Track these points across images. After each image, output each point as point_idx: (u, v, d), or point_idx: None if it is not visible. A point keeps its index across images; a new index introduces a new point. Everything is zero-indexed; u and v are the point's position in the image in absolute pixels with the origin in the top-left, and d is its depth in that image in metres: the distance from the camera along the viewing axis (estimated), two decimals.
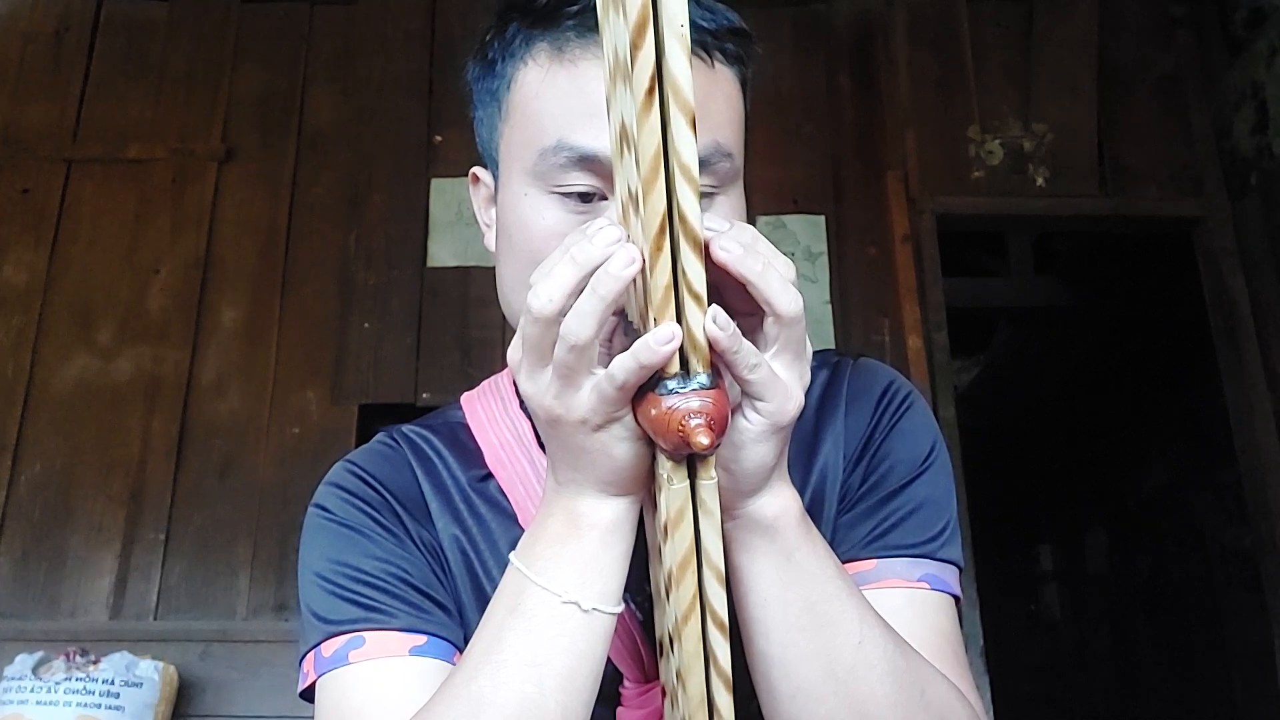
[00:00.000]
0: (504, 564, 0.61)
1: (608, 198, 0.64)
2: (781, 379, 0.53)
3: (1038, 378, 4.57)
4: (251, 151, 2.71)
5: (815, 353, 0.67)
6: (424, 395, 2.49)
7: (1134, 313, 3.88)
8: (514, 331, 0.57)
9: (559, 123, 0.64)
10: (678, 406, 0.49)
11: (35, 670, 1.97)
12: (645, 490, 0.57)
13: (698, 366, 0.49)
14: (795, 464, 0.71)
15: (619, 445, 0.53)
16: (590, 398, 0.52)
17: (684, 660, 0.54)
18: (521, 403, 0.74)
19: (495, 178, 0.72)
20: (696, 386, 0.49)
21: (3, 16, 2.82)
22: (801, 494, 0.66)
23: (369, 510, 0.72)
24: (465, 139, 2.98)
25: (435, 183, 2.68)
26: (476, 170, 0.76)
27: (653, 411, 0.50)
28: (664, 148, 0.45)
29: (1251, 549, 2.68)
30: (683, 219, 0.46)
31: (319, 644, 0.67)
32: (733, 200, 0.67)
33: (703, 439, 0.48)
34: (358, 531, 0.71)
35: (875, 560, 0.69)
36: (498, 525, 0.72)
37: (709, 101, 0.64)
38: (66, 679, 1.95)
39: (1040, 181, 2.74)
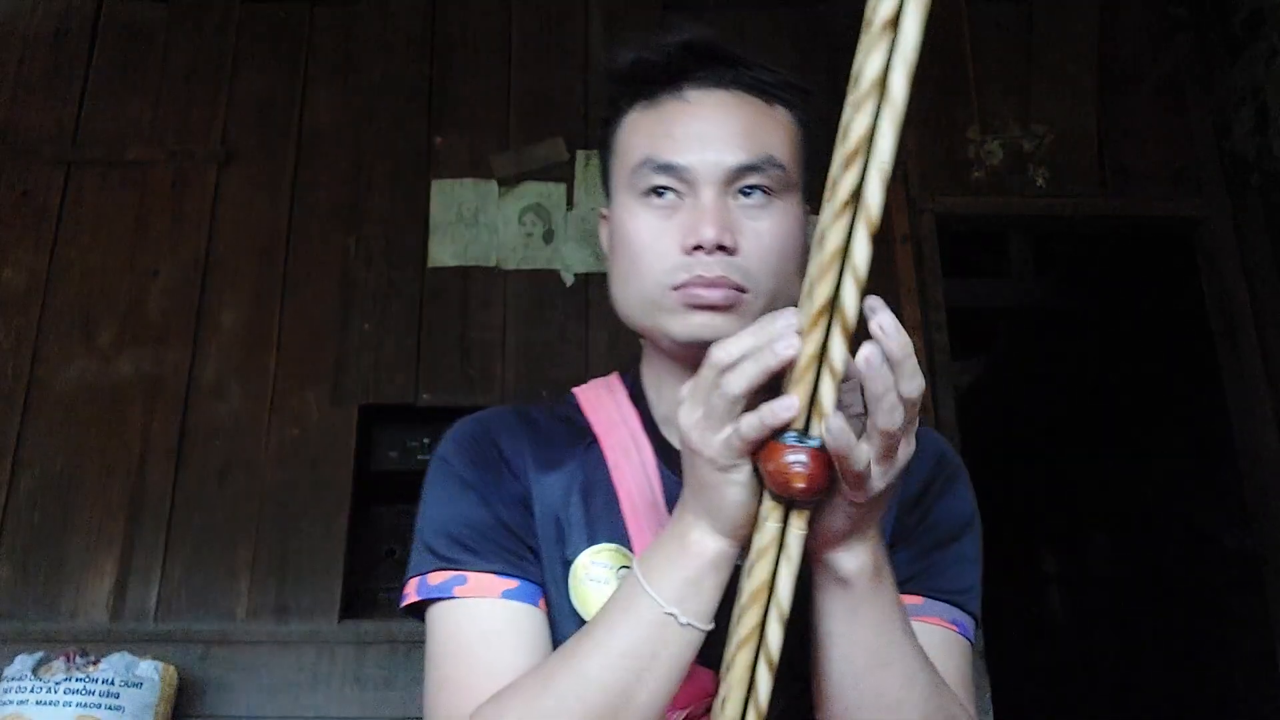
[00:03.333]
0: (592, 514, 0.83)
1: (683, 198, 0.82)
2: (870, 469, 0.61)
3: (1038, 378, 4.57)
4: (251, 153, 2.71)
5: None
6: (424, 396, 2.49)
7: (1134, 313, 3.87)
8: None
9: (646, 145, 0.84)
10: (788, 456, 0.59)
11: (35, 671, 1.97)
12: (746, 537, 0.66)
13: (817, 429, 0.59)
14: None
15: (734, 489, 0.64)
16: (723, 441, 0.62)
17: (729, 686, 0.63)
18: (630, 395, 0.92)
19: (610, 206, 0.91)
20: (810, 445, 0.59)
21: (3, 17, 2.83)
22: None
23: (479, 465, 0.87)
24: (465, 140, 2.98)
25: (435, 184, 2.68)
26: (603, 210, 0.94)
27: (769, 456, 0.61)
28: (844, 249, 0.57)
29: (1253, 551, 2.68)
30: (840, 309, 0.58)
31: (427, 572, 0.82)
32: (785, 205, 0.83)
33: (799, 484, 0.59)
34: (468, 483, 0.86)
35: (923, 598, 0.83)
36: (597, 481, 0.86)
37: (765, 126, 0.84)
38: (66, 679, 1.94)
39: (1040, 181, 2.74)
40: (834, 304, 0.58)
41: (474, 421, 0.91)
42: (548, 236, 2.65)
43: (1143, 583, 3.90)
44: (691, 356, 0.82)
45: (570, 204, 2.67)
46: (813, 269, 0.59)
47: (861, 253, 0.57)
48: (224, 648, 2.26)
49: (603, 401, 0.92)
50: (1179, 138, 2.80)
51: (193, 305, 2.56)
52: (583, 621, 0.80)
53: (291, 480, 2.42)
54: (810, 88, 0.89)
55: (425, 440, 2.49)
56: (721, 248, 0.79)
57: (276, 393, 2.50)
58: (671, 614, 0.66)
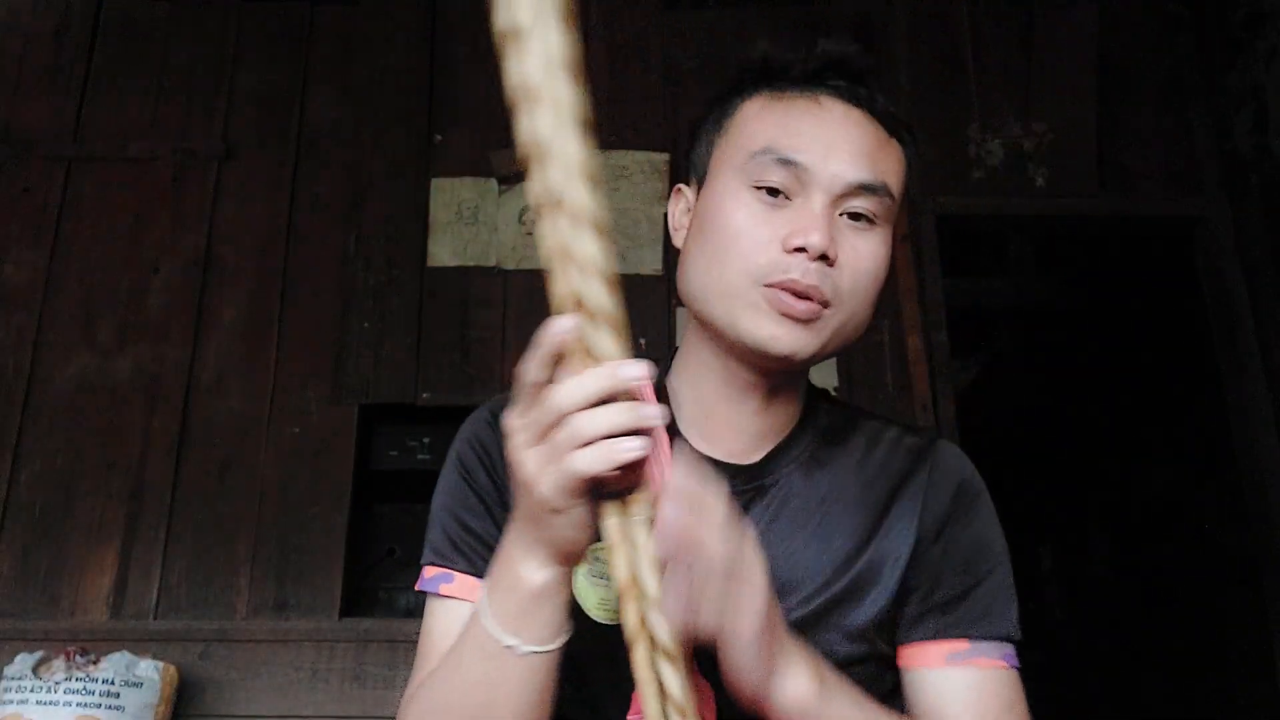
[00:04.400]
0: None
1: (790, 198, 0.80)
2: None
3: (1038, 378, 4.57)
4: (252, 150, 2.71)
5: (900, 421, 0.93)
6: (424, 395, 2.49)
7: (1134, 313, 3.87)
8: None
9: (770, 135, 0.82)
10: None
11: (35, 670, 1.97)
12: (579, 556, 0.66)
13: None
14: (859, 527, 0.84)
15: (568, 527, 0.62)
16: (561, 484, 0.60)
17: (642, 684, 0.62)
18: (654, 388, 0.85)
19: (699, 186, 0.88)
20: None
21: (3, 16, 2.82)
22: (856, 557, 0.83)
23: (483, 464, 0.87)
24: (465, 138, 2.98)
25: (435, 182, 2.68)
26: (681, 186, 0.92)
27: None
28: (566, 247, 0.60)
29: (1253, 550, 2.68)
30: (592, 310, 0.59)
31: (425, 565, 0.86)
32: (884, 234, 0.83)
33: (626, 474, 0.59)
34: (468, 484, 0.87)
35: (969, 641, 0.82)
36: None
37: (885, 153, 0.84)
38: (66, 679, 1.94)
39: (1040, 181, 2.74)
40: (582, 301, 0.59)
41: (487, 412, 0.91)
42: None
43: (1142, 582, 3.91)
44: (746, 359, 0.83)
45: None
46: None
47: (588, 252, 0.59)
48: (224, 646, 2.26)
49: None
50: (1179, 138, 2.80)
51: (193, 302, 2.56)
52: (586, 618, 0.80)
53: (291, 478, 2.42)
54: (914, 130, 0.90)
55: (425, 439, 2.49)
56: (824, 257, 0.78)
57: (277, 391, 2.50)
58: (510, 645, 0.67)
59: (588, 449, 0.58)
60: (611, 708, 0.80)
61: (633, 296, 2.68)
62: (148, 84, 2.77)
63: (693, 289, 0.84)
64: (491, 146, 2.71)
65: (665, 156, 2.70)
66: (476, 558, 0.83)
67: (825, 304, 0.79)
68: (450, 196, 2.67)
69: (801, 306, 0.78)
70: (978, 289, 3.81)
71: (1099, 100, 2.76)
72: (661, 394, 0.89)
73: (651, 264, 2.62)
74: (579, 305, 0.58)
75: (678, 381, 0.90)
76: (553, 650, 0.68)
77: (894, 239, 0.86)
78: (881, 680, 0.84)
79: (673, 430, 0.87)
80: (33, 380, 2.48)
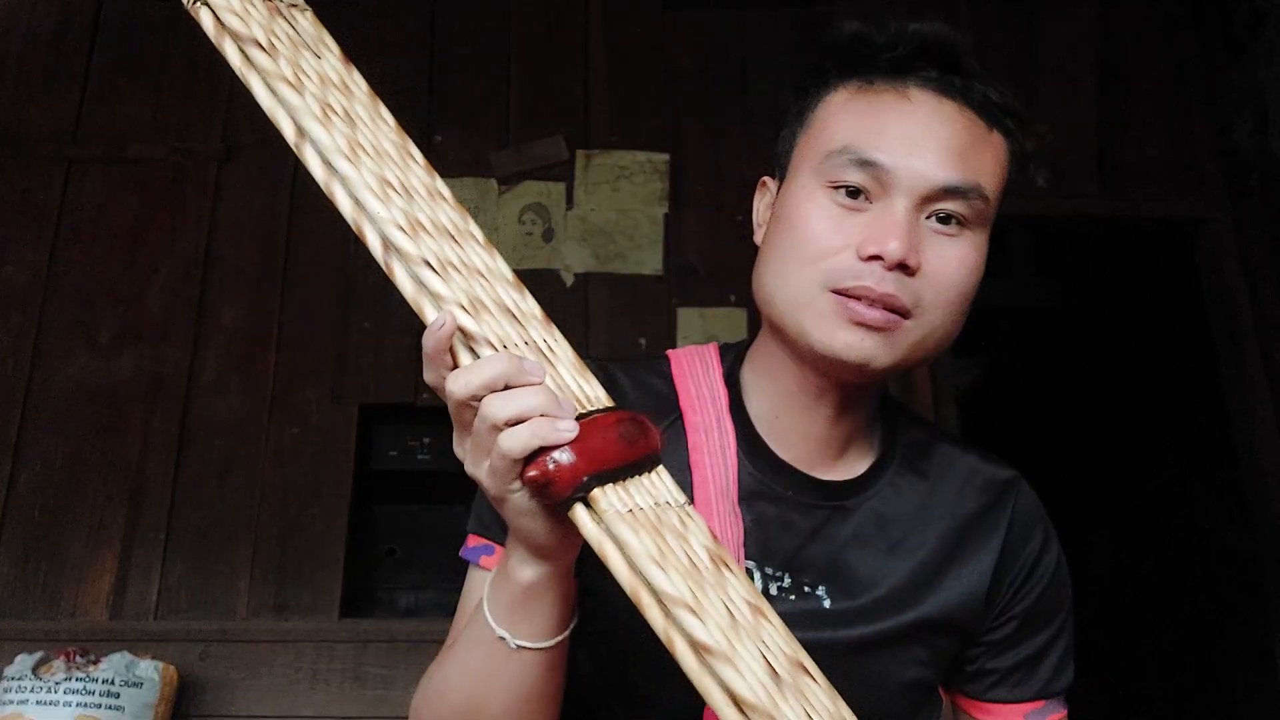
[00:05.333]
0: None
1: (871, 200, 0.75)
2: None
3: (1038, 378, 4.57)
4: (252, 150, 2.71)
5: (976, 447, 0.91)
6: (424, 395, 2.48)
7: (1134, 313, 3.87)
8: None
9: (850, 133, 0.76)
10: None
11: (35, 670, 1.97)
12: (566, 558, 0.65)
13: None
14: (933, 557, 0.82)
15: (523, 517, 0.61)
16: (488, 469, 0.60)
17: (704, 694, 0.57)
18: (723, 373, 0.86)
19: (781, 181, 0.83)
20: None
21: (3, 13, 2.82)
22: (928, 587, 0.81)
23: None
24: (465, 139, 2.97)
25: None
26: (765, 179, 0.87)
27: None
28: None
29: (1253, 550, 2.68)
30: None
31: (469, 534, 0.82)
32: (976, 239, 0.78)
33: (550, 475, 0.56)
34: None
35: (1045, 700, 0.85)
36: (673, 457, 0.80)
37: (981, 150, 0.77)
38: (66, 679, 1.94)
39: (1040, 181, 2.73)
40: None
41: None
42: (547, 236, 2.65)
43: (1142, 582, 3.91)
44: (819, 367, 0.78)
45: (570, 203, 2.67)
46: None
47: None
48: (224, 646, 2.26)
49: (695, 373, 0.86)
50: (1179, 138, 2.80)
51: (193, 303, 2.56)
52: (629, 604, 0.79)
53: (291, 479, 2.42)
54: (1030, 117, 0.83)
55: (425, 440, 2.49)
56: (903, 265, 0.73)
57: (276, 391, 2.49)
58: (503, 638, 0.66)
59: (509, 431, 0.57)
60: None
61: (633, 296, 2.69)
62: (148, 83, 2.77)
63: (764, 292, 0.79)
64: (491, 146, 2.71)
65: (665, 156, 2.70)
66: None
67: (905, 314, 0.73)
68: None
69: (874, 314, 0.73)
70: (978, 289, 3.81)
71: (1099, 100, 2.76)
72: (734, 384, 0.86)
73: (652, 264, 2.61)
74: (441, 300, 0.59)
75: (751, 375, 0.86)
76: (546, 649, 0.67)
77: (987, 242, 0.80)
78: (929, 703, 0.84)
79: (738, 410, 0.84)
80: (33, 380, 2.47)
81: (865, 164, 0.74)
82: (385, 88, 3.09)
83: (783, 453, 0.83)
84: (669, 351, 0.89)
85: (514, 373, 0.58)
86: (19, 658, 2.01)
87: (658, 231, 2.64)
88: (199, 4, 0.63)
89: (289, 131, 0.63)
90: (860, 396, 0.83)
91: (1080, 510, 4.44)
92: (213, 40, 0.64)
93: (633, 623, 0.76)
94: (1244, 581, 2.99)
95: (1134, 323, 3.89)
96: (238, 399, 2.48)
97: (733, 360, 0.87)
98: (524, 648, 0.66)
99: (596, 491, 0.56)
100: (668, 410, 0.83)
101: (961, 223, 0.76)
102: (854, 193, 0.75)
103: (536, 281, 2.62)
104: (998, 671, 0.85)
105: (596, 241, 2.63)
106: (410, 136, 0.70)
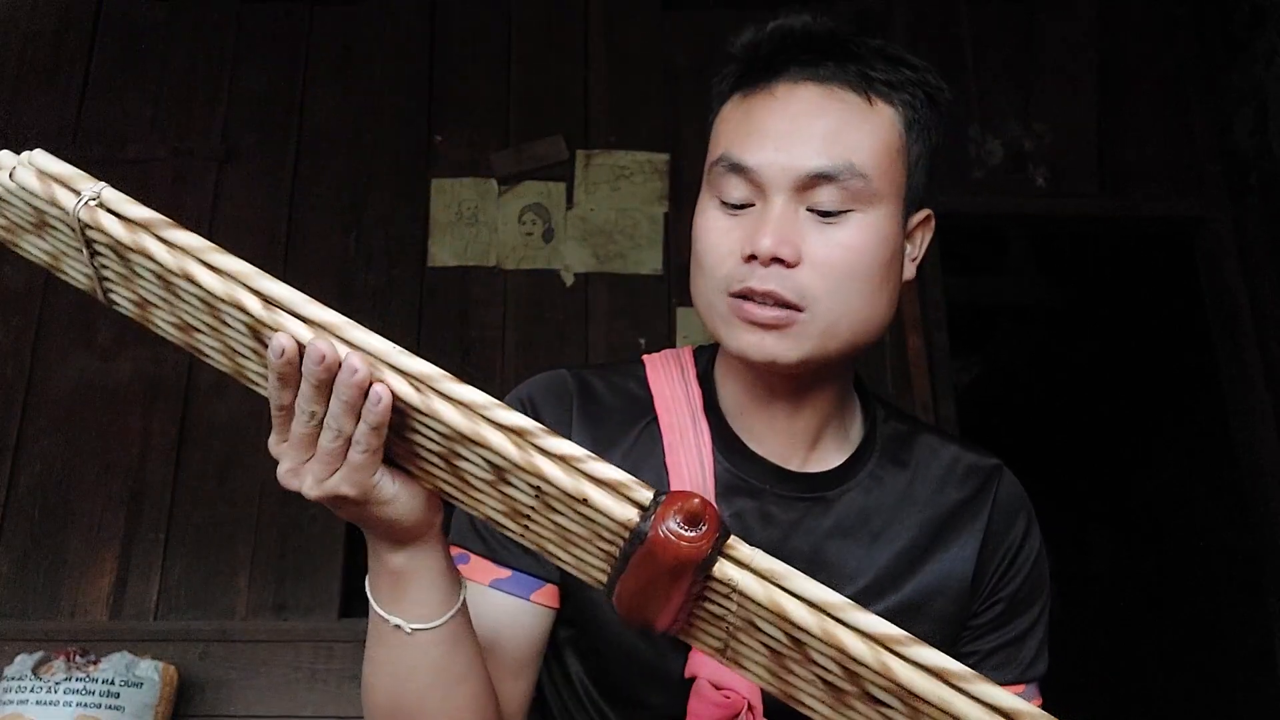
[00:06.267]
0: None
1: (756, 203, 0.77)
2: None
3: (1038, 377, 4.57)
4: (251, 151, 2.70)
5: (956, 438, 0.92)
6: None
7: (1134, 313, 3.88)
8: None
9: (726, 141, 0.79)
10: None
11: (35, 670, 1.97)
12: (420, 536, 0.66)
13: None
14: (914, 546, 0.84)
15: (387, 508, 0.63)
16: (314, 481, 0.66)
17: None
18: (697, 374, 0.88)
19: None
20: None
21: (3, 13, 2.82)
22: (910, 574, 0.82)
23: None
24: (465, 139, 2.96)
25: (435, 183, 2.68)
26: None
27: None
28: None
29: (1253, 550, 2.68)
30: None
31: (451, 544, 0.80)
32: (867, 218, 0.76)
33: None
34: None
35: (1024, 685, 0.87)
36: (649, 458, 0.83)
37: (854, 127, 0.76)
38: (66, 679, 1.94)
39: (1040, 181, 2.74)
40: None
41: (529, 388, 0.87)
42: (548, 235, 2.65)
43: (1142, 582, 3.91)
44: (746, 367, 0.82)
45: (570, 203, 2.67)
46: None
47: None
48: (224, 646, 2.26)
49: (670, 374, 0.88)
50: (1179, 138, 2.80)
51: None
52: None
53: None
54: (933, 78, 0.81)
55: None
56: (779, 260, 0.74)
57: None
58: (398, 626, 0.67)
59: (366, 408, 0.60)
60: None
61: (633, 296, 2.69)
62: (147, 84, 2.76)
63: (694, 304, 0.83)
64: (491, 146, 2.71)
65: (665, 156, 2.70)
66: (493, 541, 0.82)
67: (795, 307, 0.75)
68: (450, 196, 2.67)
69: (765, 312, 0.75)
70: (978, 288, 3.81)
71: (1099, 100, 2.76)
72: (708, 383, 0.88)
73: (651, 264, 2.61)
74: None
75: (720, 374, 0.88)
76: (442, 625, 0.67)
77: (896, 213, 0.79)
78: None
79: (712, 408, 0.86)
80: (32, 382, 2.47)
81: (737, 168, 0.77)
82: (385, 86, 3.10)
83: (756, 447, 0.84)
84: (644, 356, 0.92)
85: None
86: (19, 658, 2.01)
87: (657, 231, 2.64)
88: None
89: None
90: (813, 390, 0.83)
91: (1080, 510, 4.44)
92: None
93: (617, 628, 0.77)
94: (1244, 581, 2.99)
95: (1134, 322, 3.89)
96: (237, 399, 2.48)
97: (706, 361, 0.90)
98: (420, 629, 0.67)
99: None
100: (643, 413, 0.85)
101: (840, 209, 0.76)
102: (738, 205, 0.78)
103: (536, 281, 2.62)
104: (979, 654, 0.86)
105: (596, 241, 2.63)
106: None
